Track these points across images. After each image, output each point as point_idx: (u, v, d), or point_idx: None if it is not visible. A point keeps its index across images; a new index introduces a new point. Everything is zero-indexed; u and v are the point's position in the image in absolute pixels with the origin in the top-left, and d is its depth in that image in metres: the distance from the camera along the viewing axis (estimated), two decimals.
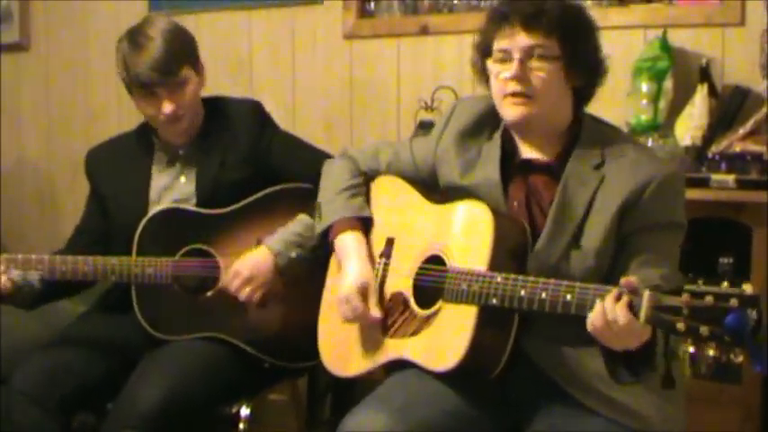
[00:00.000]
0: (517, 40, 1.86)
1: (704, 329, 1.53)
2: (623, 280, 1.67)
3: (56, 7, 3.82)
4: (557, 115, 1.92)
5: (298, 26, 3.39)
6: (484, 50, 1.95)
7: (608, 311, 1.65)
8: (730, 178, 2.47)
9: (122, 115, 3.59)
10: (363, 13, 3.28)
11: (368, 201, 2.17)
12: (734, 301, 1.52)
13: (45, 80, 3.89)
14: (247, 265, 2.33)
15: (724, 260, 2.52)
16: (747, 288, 1.53)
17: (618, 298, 1.65)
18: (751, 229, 2.43)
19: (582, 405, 1.84)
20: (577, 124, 1.94)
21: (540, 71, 1.86)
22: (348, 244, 2.09)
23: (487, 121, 2.01)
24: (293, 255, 2.33)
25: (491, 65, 1.92)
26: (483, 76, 1.97)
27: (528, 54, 1.86)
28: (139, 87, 2.33)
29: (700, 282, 1.57)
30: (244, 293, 2.32)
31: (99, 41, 3.70)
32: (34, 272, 2.30)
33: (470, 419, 1.89)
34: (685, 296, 1.56)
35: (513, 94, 1.87)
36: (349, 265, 2.06)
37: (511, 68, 1.86)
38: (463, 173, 1.99)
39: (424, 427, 1.83)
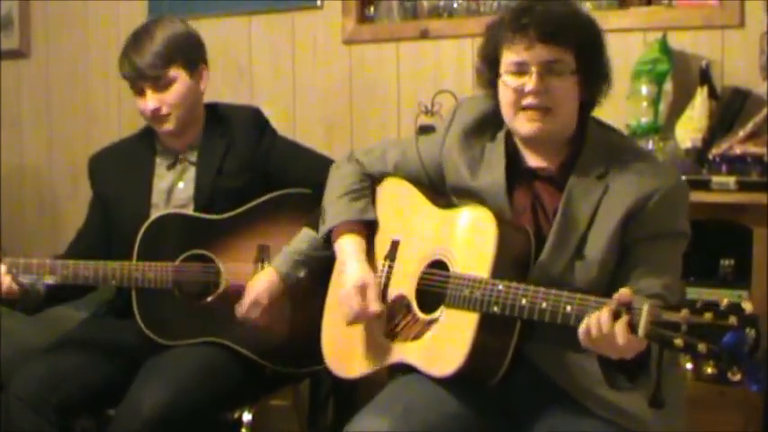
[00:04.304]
0: (535, 54, 1.81)
1: (702, 347, 1.52)
2: (616, 295, 1.64)
3: (55, 13, 3.82)
4: (566, 127, 1.90)
5: (297, 31, 3.39)
6: (492, 59, 1.90)
7: (603, 325, 1.62)
8: (731, 180, 2.47)
9: (122, 120, 3.60)
10: (363, 17, 3.28)
11: (374, 203, 2.15)
12: (733, 320, 1.50)
13: (45, 86, 3.88)
14: (257, 289, 2.31)
15: (725, 262, 2.52)
16: (747, 307, 1.51)
17: (616, 315, 1.62)
18: (752, 231, 2.43)
19: (582, 408, 1.83)
20: (582, 131, 1.91)
21: (558, 85, 1.83)
22: (347, 248, 2.09)
23: (490, 120, 1.99)
24: (301, 275, 2.32)
25: (504, 76, 1.86)
26: (488, 84, 1.94)
27: (546, 68, 1.82)
28: (128, 82, 2.38)
29: (700, 299, 1.56)
30: (255, 316, 2.33)
31: (99, 47, 3.70)
32: (48, 276, 2.30)
33: (472, 423, 1.89)
34: (684, 312, 1.54)
35: (530, 108, 1.84)
36: (348, 268, 2.06)
37: (530, 82, 1.82)
38: (470, 173, 1.97)
39: (427, 431, 1.83)
